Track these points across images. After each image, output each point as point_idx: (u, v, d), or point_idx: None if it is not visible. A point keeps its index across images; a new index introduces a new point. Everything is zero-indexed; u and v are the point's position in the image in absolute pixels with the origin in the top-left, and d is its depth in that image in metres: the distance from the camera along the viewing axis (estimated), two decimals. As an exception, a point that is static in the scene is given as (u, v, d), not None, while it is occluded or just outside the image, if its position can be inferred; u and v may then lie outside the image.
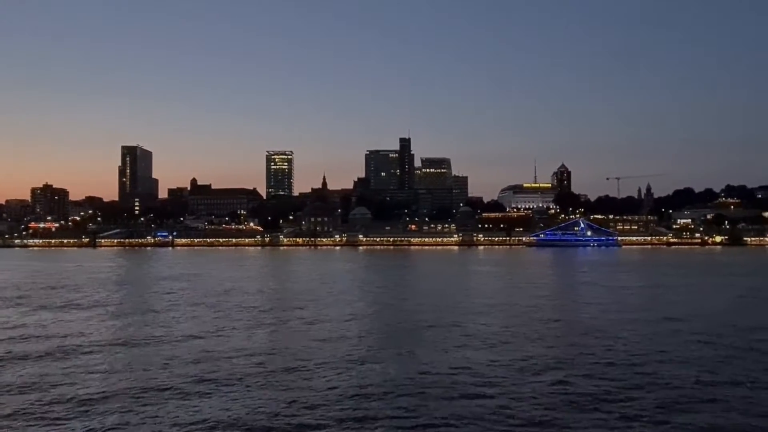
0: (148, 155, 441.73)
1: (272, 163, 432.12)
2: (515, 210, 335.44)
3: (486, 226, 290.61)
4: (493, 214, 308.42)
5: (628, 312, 43.34)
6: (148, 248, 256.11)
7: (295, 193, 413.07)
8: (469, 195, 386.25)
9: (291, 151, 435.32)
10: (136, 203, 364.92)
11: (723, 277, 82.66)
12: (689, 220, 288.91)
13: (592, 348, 29.20)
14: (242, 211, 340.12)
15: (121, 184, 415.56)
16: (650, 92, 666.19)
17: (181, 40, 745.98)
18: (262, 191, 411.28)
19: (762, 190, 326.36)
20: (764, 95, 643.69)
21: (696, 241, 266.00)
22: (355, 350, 29.19)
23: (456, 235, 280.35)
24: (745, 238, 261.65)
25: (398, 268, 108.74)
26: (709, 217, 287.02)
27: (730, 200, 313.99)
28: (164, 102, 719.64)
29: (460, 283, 75.37)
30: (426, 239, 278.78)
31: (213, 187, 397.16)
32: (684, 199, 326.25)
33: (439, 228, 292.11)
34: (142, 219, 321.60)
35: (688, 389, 21.51)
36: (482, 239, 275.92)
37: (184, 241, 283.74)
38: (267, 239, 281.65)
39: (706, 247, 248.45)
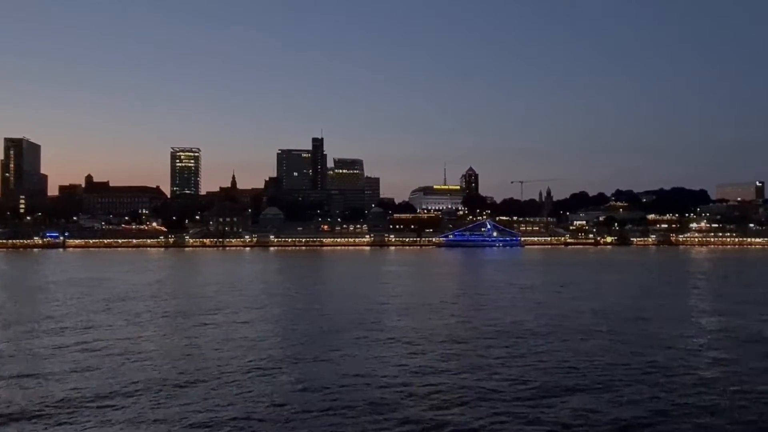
0: (35, 149, 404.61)
1: (177, 161, 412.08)
2: (425, 211, 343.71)
3: (397, 226, 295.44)
4: (404, 215, 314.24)
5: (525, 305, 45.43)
6: (36, 250, 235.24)
7: (203, 192, 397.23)
8: (381, 196, 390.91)
9: (198, 149, 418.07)
10: (22, 201, 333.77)
11: (612, 274, 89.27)
12: (584, 222, 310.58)
13: (494, 334, 30.15)
14: (144, 211, 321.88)
15: (4, 180, 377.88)
16: (551, 100, 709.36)
17: (77, 26, 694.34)
18: (167, 190, 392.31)
19: (646, 195, 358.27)
20: (653, 106, 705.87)
21: (590, 241, 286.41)
22: (263, 352, 28.11)
23: (368, 236, 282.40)
24: (631, 239, 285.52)
25: (311, 269, 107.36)
26: (601, 219, 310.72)
27: (619, 204, 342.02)
28: (55, 91, 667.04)
29: (372, 283, 75.59)
30: (338, 240, 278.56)
31: (111, 184, 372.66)
32: (580, 202, 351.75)
33: (352, 228, 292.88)
34: (29, 218, 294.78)
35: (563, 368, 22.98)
36: (393, 240, 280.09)
37: (77, 242, 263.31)
38: (171, 240, 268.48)
39: (599, 246, 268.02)
